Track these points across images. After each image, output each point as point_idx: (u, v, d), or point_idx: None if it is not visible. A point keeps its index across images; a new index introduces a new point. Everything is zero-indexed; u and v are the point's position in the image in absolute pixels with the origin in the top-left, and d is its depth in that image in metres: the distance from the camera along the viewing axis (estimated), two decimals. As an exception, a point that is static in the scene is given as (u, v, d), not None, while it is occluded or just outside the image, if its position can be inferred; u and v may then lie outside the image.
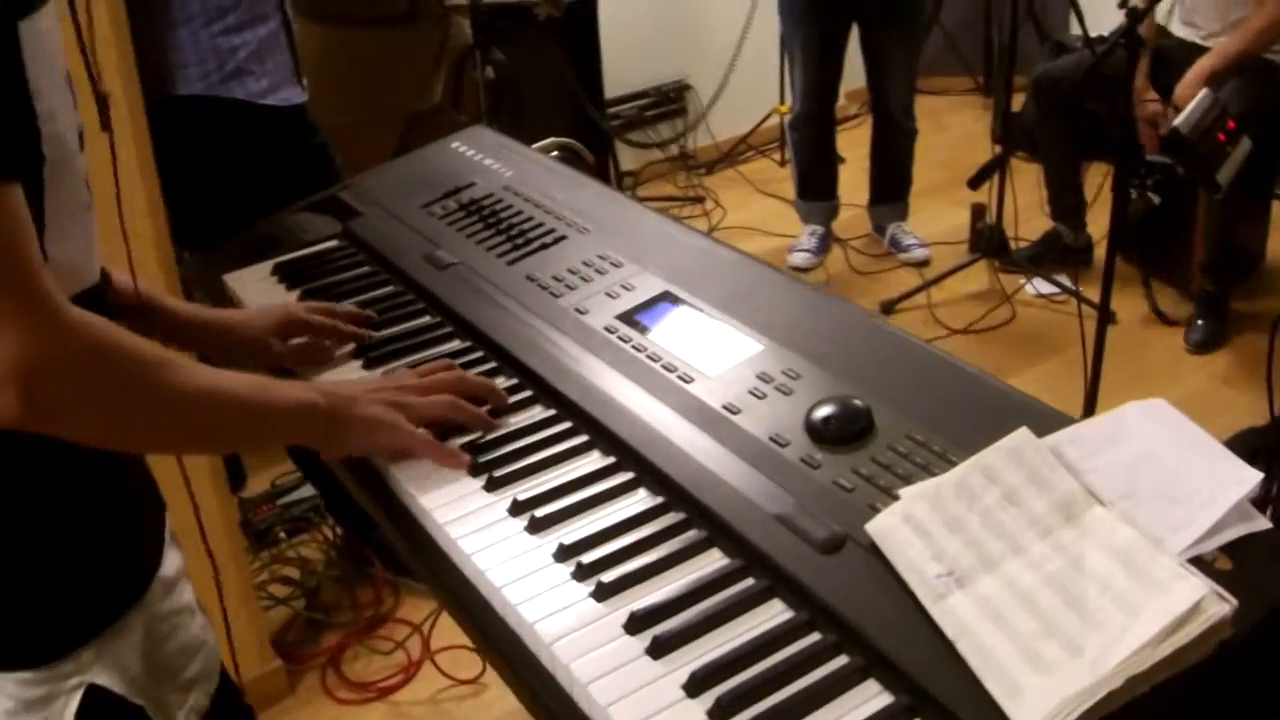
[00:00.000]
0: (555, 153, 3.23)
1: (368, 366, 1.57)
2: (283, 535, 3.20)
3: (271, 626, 2.94)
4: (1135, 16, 2.83)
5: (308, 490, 3.25)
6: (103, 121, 1.26)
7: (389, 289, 1.75)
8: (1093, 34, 4.69)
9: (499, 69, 3.45)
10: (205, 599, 1.44)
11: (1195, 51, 3.98)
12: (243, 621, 2.67)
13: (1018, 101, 4.57)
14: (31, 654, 1.17)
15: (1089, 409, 3.08)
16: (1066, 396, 3.32)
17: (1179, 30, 4.17)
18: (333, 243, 1.93)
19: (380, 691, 2.80)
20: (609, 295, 1.57)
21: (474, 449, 1.35)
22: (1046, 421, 1.22)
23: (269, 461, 3.39)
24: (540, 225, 1.77)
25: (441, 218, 1.86)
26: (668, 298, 1.54)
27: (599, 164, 4.47)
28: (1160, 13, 4.23)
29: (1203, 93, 3.07)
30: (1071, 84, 3.97)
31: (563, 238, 1.73)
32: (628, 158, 5.21)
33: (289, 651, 2.90)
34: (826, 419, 1.26)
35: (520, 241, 1.73)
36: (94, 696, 1.20)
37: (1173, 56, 4.06)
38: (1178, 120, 3.03)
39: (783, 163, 5.40)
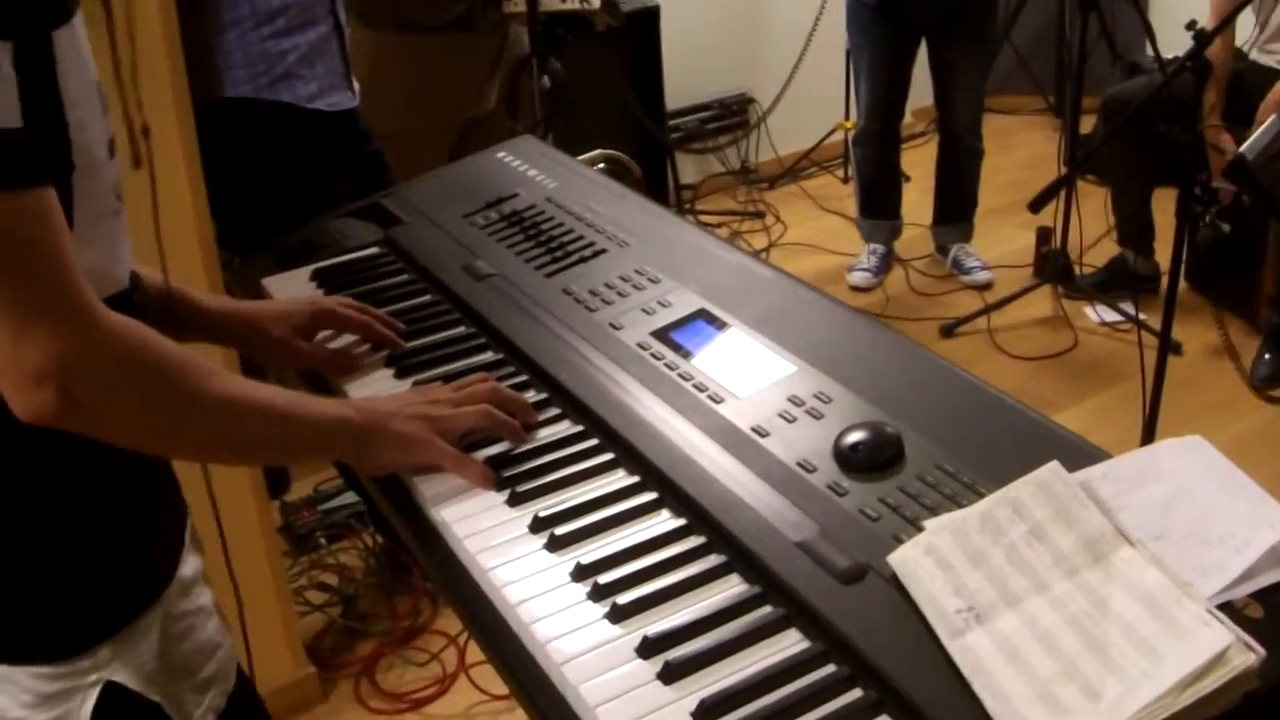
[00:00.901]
0: (601, 165, 3.22)
1: (399, 376, 1.58)
2: (323, 541, 3.22)
3: (308, 633, 2.96)
4: (1202, 40, 2.81)
5: (350, 497, 3.27)
6: (135, 159, 1.29)
7: (426, 298, 1.77)
8: (1167, 55, 4.67)
9: (556, 79, 3.46)
10: (226, 603, 1.46)
11: (1274, 75, 3.94)
12: (279, 626, 2.69)
13: (1088, 123, 4.54)
14: (50, 649, 1.20)
15: (1147, 441, 3.05)
16: (1125, 427, 3.30)
17: (1259, 57, 4.13)
18: (373, 250, 1.95)
19: (413, 703, 2.81)
20: (645, 311, 1.57)
21: (499, 463, 1.36)
22: (1081, 456, 1.20)
23: (312, 468, 3.42)
24: (580, 238, 1.77)
25: (482, 228, 1.87)
26: (703, 315, 1.54)
27: (657, 176, 4.48)
28: (1241, 38, 4.19)
29: (1271, 118, 3.04)
30: (1140, 105, 3.93)
31: (602, 251, 1.73)
32: (688, 170, 5.22)
33: (324, 658, 2.92)
34: (855, 446, 1.25)
35: (559, 254, 1.74)
36: (111, 693, 1.22)
37: (1253, 83, 4.02)
38: (1243, 147, 3.00)
39: (846, 179, 5.39)
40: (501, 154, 2.13)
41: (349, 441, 1.32)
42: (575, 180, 1.99)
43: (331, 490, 3.35)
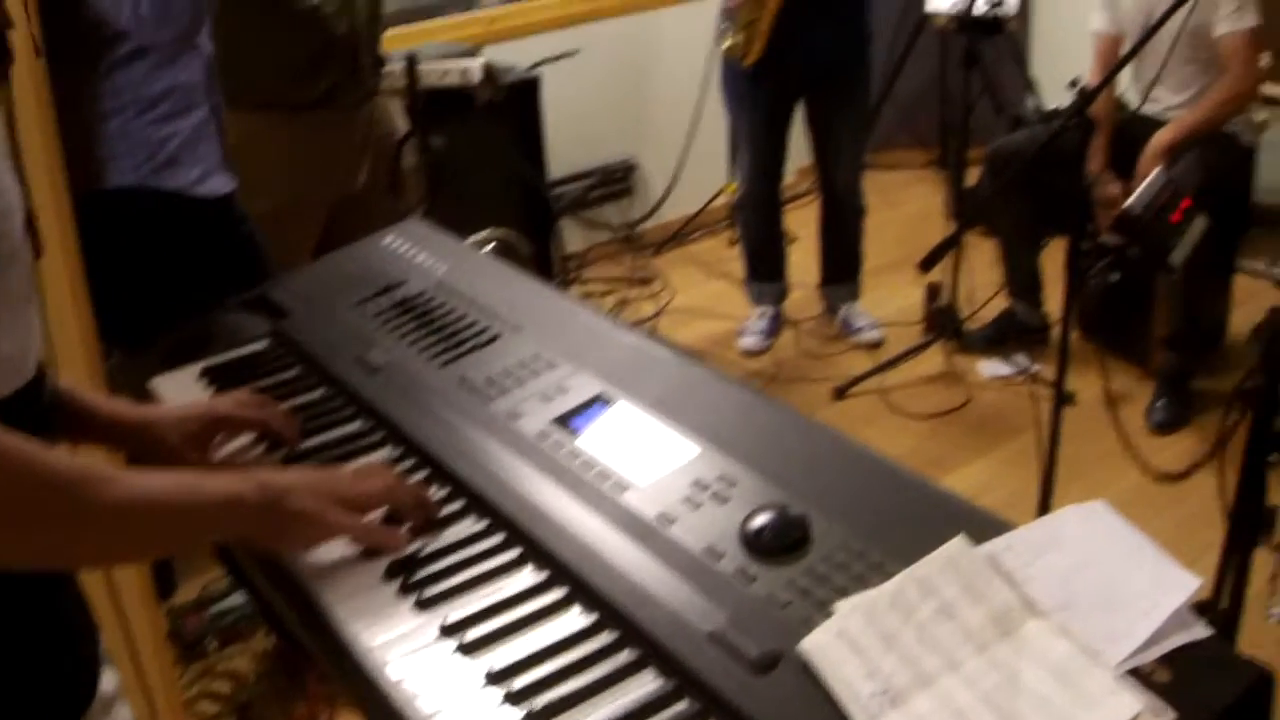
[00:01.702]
0: (493, 244, 3.26)
1: (297, 476, 1.58)
2: (214, 646, 3.18)
3: (203, 744, 2.92)
4: (1085, 98, 2.90)
5: (239, 598, 3.23)
6: (36, 250, 1.28)
7: (319, 393, 1.77)
8: (1050, 106, 4.82)
9: (438, 154, 3.49)
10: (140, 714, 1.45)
11: (1156, 125, 4.08)
12: (173, 739, 2.65)
13: (977, 175, 4.66)
14: None
15: (1045, 494, 3.12)
16: (1024, 481, 3.37)
17: (1139, 102, 4.26)
18: (263, 343, 1.95)
19: (316, 807, 2.78)
20: (543, 398, 1.59)
21: (404, 566, 1.37)
22: (986, 526, 1.24)
23: (199, 568, 3.37)
24: (474, 324, 1.79)
25: (374, 317, 1.89)
26: (602, 400, 1.56)
27: (542, 247, 4.51)
28: (1122, 84, 4.34)
29: (1155, 171, 3.15)
30: (1026, 161, 4.05)
31: (496, 337, 1.75)
32: (574, 239, 5.26)
33: (220, 769, 2.88)
34: (761, 530, 1.28)
35: (453, 342, 1.76)
36: None
37: (1134, 131, 4.16)
38: (1129, 201, 3.10)
39: (732, 243, 5.47)
40: (389, 239, 2.15)
41: (247, 520, 1.31)
42: (465, 263, 2.01)
43: (219, 591, 3.31)
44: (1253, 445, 2.17)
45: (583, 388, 1.60)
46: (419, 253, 2.07)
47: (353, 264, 2.10)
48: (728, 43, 4.16)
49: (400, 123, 3.41)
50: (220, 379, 1.85)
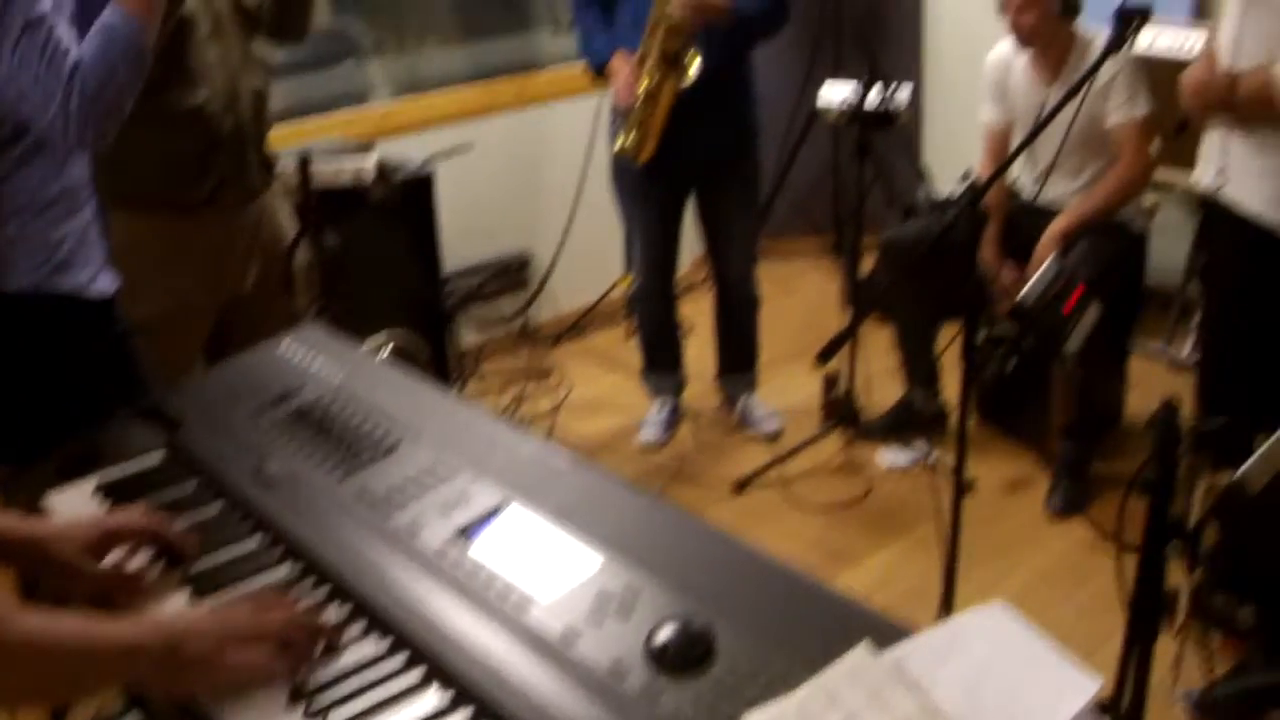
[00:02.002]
0: (389, 347, 3.26)
1: (197, 595, 1.57)
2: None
3: None
4: (975, 193, 2.98)
5: None
6: None
7: (217, 508, 1.76)
8: (943, 195, 4.92)
9: (331, 253, 3.50)
10: None
11: (1051, 212, 4.18)
12: None
13: (872, 262, 4.73)
14: None
15: (948, 584, 3.16)
16: (928, 570, 3.40)
17: (1032, 190, 4.36)
18: (159, 456, 1.94)
19: None
20: (444, 509, 1.60)
21: (306, 692, 1.36)
22: (888, 632, 1.27)
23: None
24: (372, 433, 1.80)
25: (271, 427, 1.89)
26: (503, 510, 1.57)
27: (438, 344, 4.51)
28: (1015, 170, 4.45)
29: (1048, 261, 3.24)
30: (917, 259, 4.14)
31: (396, 445, 1.76)
32: (471, 333, 5.27)
33: None
34: (666, 645, 1.29)
35: (352, 453, 1.76)
36: None
37: (1029, 217, 4.26)
38: (1022, 293, 3.18)
39: (630, 335, 5.51)
40: (284, 345, 2.15)
41: (145, 668, 1.31)
42: (362, 370, 2.02)
43: (114, 712, 3.23)
44: (1150, 537, 2.23)
45: (483, 497, 1.61)
46: (315, 359, 2.08)
47: (248, 372, 2.11)
48: (620, 142, 4.19)
49: (290, 221, 3.40)
50: (116, 494, 1.84)
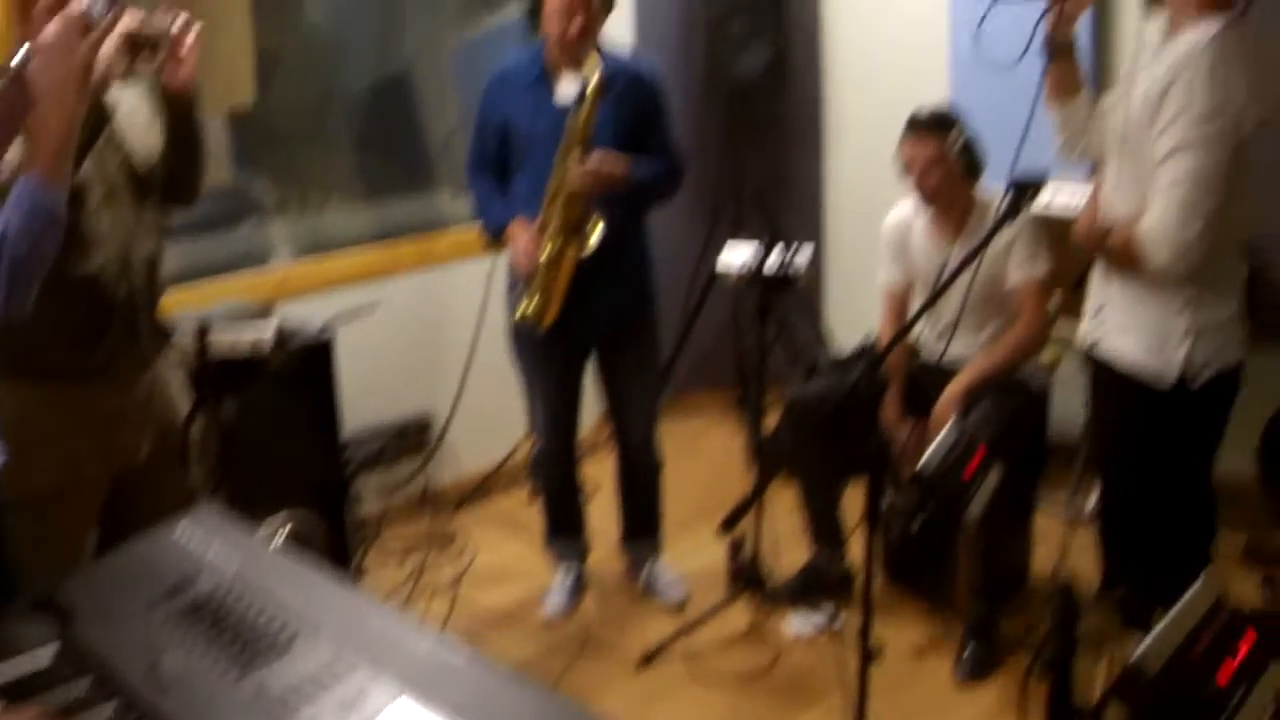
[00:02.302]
0: (287, 529, 3.23)
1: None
2: None
3: None
4: (876, 358, 3.05)
5: None
6: None
7: (112, 709, 1.73)
8: (848, 349, 5.01)
9: (229, 424, 3.48)
10: None
11: (950, 370, 4.26)
12: None
13: (775, 418, 4.76)
14: None
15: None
16: (837, 744, 3.41)
17: (933, 348, 4.45)
18: (52, 651, 1.90)
19: None
20: (341, 710, 1.59)
21: None
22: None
23: None
24: (269, 627, 1.78)
25: (166, 620, 1.86)
26: (403, 708, 1.57)
27: (337, 514, 4.48)
28: (916, 328, 4.54)
29: (947, 426, 3.31)
30: (822, 414, 4.19)
31: (293, 640, 1.75)
32: (371, 499, 5.23)
33: None
34: None
35: (248, 649, 1.75)
36: None
37: (931, 375, 4.34)
38: (922, 460, 3.23)
39: (533, 498, 5.50)
40: (179, 531, 2.13)
41: None
42: (259, 558, 2.01)
43: None
44: (1053, 712, 2.25)
45: (380, 695, 1.60)
46: (210, 545, 2.06)
47: (142, 559, 2.08)
48: (522, 308, 4.22)
49: (185, 392, 3.38)
50: (7, 695, 1.80)
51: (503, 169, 4.37)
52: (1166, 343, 3.16)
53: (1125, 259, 3.19)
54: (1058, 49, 3.36)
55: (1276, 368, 4.40)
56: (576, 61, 4.12)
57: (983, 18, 3.31)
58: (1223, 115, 2.97)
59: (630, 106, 4.24)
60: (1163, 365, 3.16)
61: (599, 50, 4.18)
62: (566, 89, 4.19)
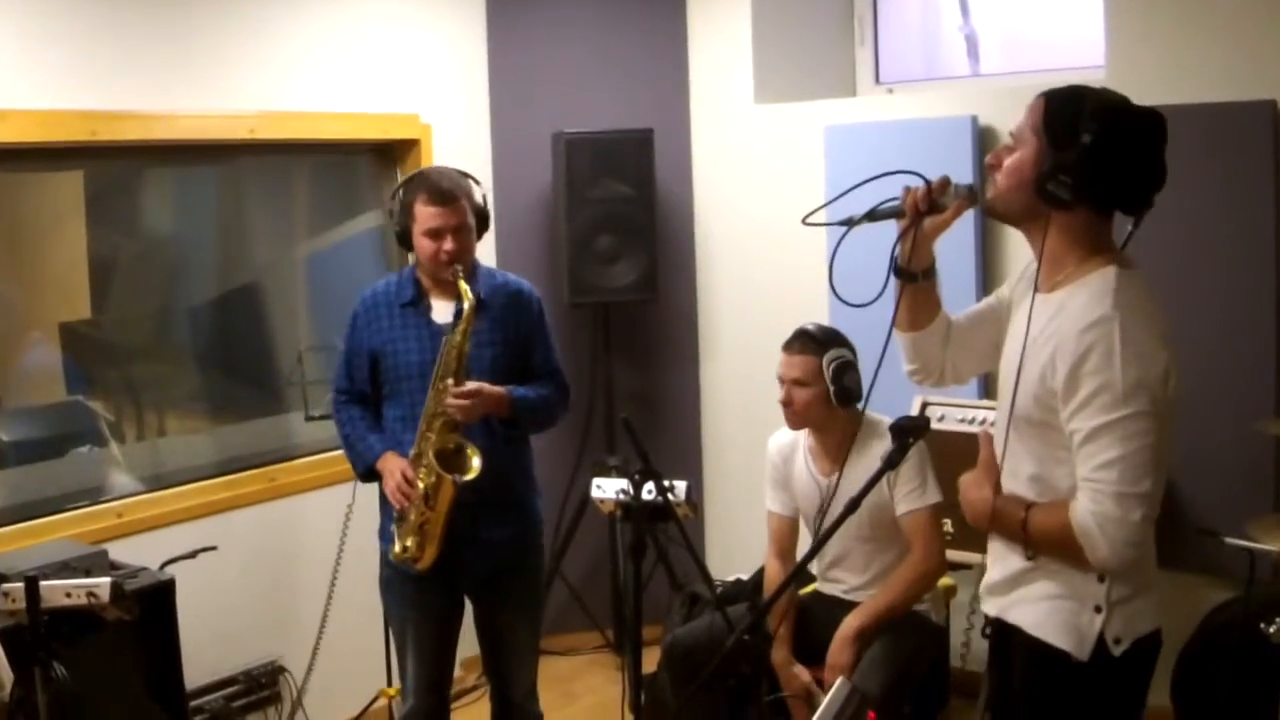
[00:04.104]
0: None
1: None
2: None
3: None
4: (759, 612, 3.07)
5: None
6: None
7: None
8: (729, 577, 5.03)
9: (61, 684, 3.41)
10: None
11: (839, 605, 4.30)
12: None
13: (655, 658, 4.75)
14: None
15: None
16: None
17: (822, 586, 4.49)
18: None
19: None
20: None
21: None
22: None
23: None
24: None
25: None
26: None
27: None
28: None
29: (838, 683, 3.30)
30: (705, 657, 4.18)
31: None
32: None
33: None
34: None
35: None
36: None
37: (818, 613, 4.37)
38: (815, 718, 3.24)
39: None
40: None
41: None
42: None
43: None
44: None
45: None
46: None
47: None
48: (397, 549, 4.16)
49: (6, 659, 3.30)
50: None
51: (373, 397, 4.36)
52: (1080, 614, 2.96)
53: (1052, 548, 2.97)
54: (910, 275, 3.22)
55: (1179, 596, 4.54)
56: (450, 282, 4.14)
57: (834, 250, 3.11)
58: (1146, 388, 2.80)
59: (510, 325, 4.28)
60: (1079, 639, 2.95)
61: (476, 267, 4.26)
62: (441, 311, 4.22)
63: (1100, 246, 2.95)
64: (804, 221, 3.21)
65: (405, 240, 4.30)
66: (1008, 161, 2.95)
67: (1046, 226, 2.93)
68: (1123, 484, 2.78)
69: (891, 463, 3.05)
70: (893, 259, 3.21)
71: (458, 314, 4.10)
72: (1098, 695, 2.97)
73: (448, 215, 4.14)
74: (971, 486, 3.09)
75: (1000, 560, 3.12)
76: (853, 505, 3.04)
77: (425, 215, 4.16)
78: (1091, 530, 2.81)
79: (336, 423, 4.45)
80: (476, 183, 4.36)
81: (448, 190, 4.17)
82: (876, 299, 3.17)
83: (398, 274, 4.43)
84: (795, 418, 4.45)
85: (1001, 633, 3.14)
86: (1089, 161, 2.79)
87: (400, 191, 4.32)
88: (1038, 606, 2.99)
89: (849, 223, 3.10)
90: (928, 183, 3.08)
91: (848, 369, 4.39)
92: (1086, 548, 2.83)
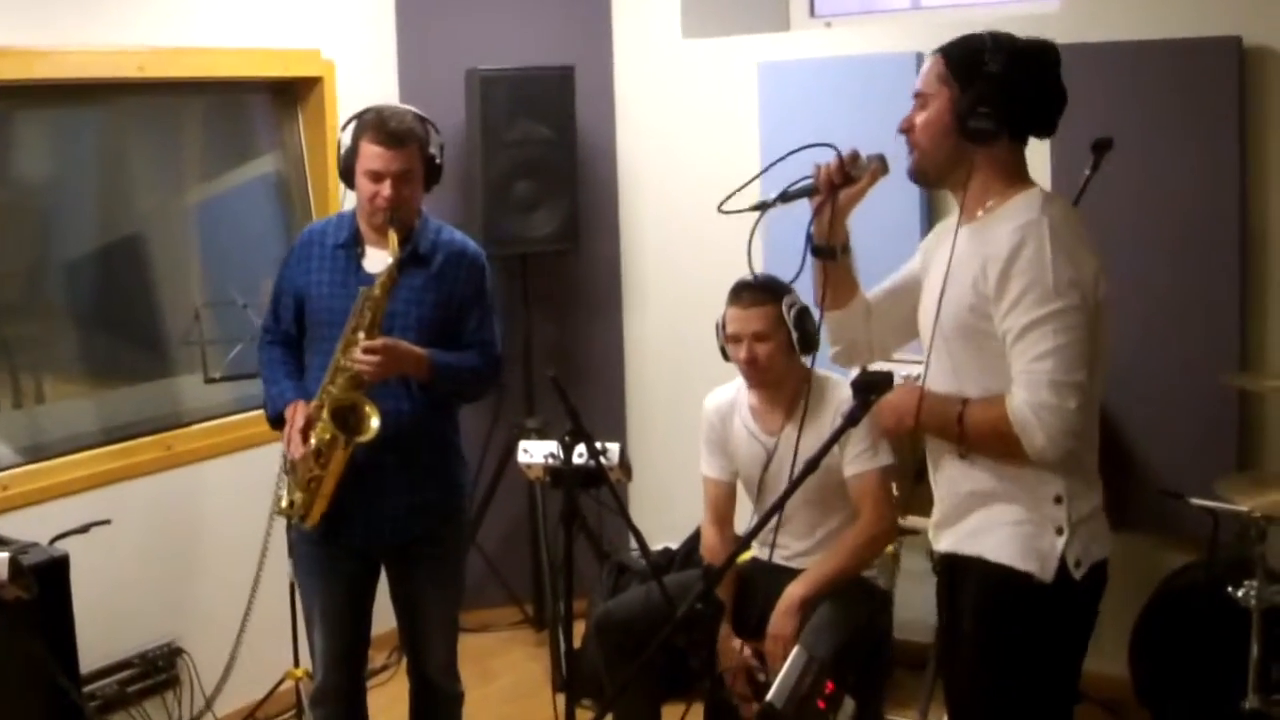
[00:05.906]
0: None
1: None
2: None
3: None
4: (712, 579, 3.11)
5: None
6: None
7: None
8: (657, 546, 5.06)
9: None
10: None
11: (782, 573, 4.34)
12: None
13: (581, 633, 4.76)
14: None
15: None
16: None
17: (763, 551, 4.53)
18: None
19: None
20: None
21: None
22: None
23: None
24: None
25: None
26: None
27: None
28: (739, 528, 4.61)
29: (794, 652, 3.37)
30: (644, 630, 4.19)
31: None
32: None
33: None
34: None
35: None
36: None
37: (759, 581, 4.40)
38: (770, 695, 3.28)
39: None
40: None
41: None
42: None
43: None
44: None
45: None
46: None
47: None
48: (284, 503, 4.17)
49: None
50: None
51: (294, 342, 4.34)
52: (1041, 538, 3.16)
53: (986, 444, 3.18)
54: (829, 251, 3.37)
55: (1136, 558, 4.64)
56: (386, 230, 4.08)
57: (752, 232, 3.25)
58: (1077, 286, 3.04)
59: (446, 286, 4.24)
60: (1041, 561, 3.14)
61: (426, 221, 4.25)
62: (376, 260, 4.17)
63: (1023, 176, 3.22)
64: (720, 209, 3.38)
65: (347, 177, 4.24)
66: (920, 119, 3.18)
67: (971, 170, 3.17)
68: (1057, 373, 3.02)
69: (853, 419, 3.11)
70: (809, 238, 3.37)
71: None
72: (1057, 618, 3.18)
73: (390, 159, 4.09)
74: (897, 391, 3.26)
75: (950, 492, 3.31)
76: (812, 465, 3.08)
77: (369, 154, 4.11)
78: (1029, 420, 3.03)
79: (259, 364, 4.42)
80: (437, 131, 4.30)
81: (396, 131, 4.11)
82: (795, 278, 3.41)
83: (339, 214, 4.43)
84: (760, 374, 4.43)
85: (952, 569, 3.29)
86: (1003, 87, 3.05)
87: (352, 124, 4.25)
88: (998, 533, 3.20)
89: (762, 207, 3.31)
90: (840, 155, 3.26)
91: (807, 313, 4.35)
92: (1024, 438, 3.05)
